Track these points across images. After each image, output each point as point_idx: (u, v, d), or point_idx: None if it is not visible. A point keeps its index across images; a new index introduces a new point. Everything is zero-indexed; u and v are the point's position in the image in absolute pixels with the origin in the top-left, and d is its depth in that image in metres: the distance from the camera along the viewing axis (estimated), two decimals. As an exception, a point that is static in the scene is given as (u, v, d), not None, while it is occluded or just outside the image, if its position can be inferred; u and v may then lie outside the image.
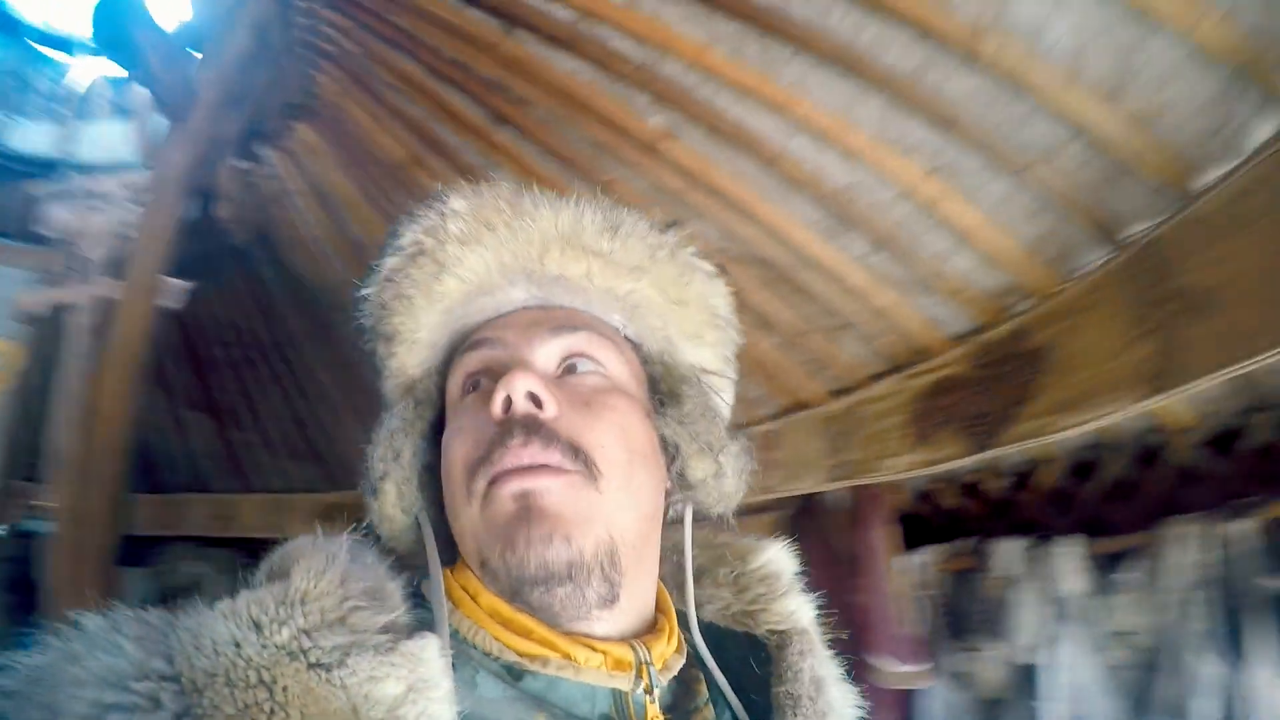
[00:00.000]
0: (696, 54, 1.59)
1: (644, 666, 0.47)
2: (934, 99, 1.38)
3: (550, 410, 0.46)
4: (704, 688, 0.52)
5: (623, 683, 0.46)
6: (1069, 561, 1.96)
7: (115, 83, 4.06)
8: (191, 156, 2.60)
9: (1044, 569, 2.00)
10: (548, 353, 0.51)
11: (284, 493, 4.12)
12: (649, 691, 0.47)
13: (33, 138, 3.93)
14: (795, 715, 0.50)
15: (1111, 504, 1.93)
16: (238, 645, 0.37)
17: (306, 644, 0.38)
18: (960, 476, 2.16)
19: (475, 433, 0.48)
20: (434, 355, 0.56)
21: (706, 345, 0.58)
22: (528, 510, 0.44)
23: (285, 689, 0.36)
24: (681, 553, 0.56)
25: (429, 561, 0.48)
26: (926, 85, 1.37)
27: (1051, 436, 1.38)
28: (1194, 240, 1.11)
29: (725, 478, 0.55)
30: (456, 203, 0.53)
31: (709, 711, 0.51)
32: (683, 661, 0.51)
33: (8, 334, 3.36)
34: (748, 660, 0.54)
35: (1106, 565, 1.94)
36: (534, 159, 2.10)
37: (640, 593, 0.50)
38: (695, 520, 0.57)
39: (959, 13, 1.24)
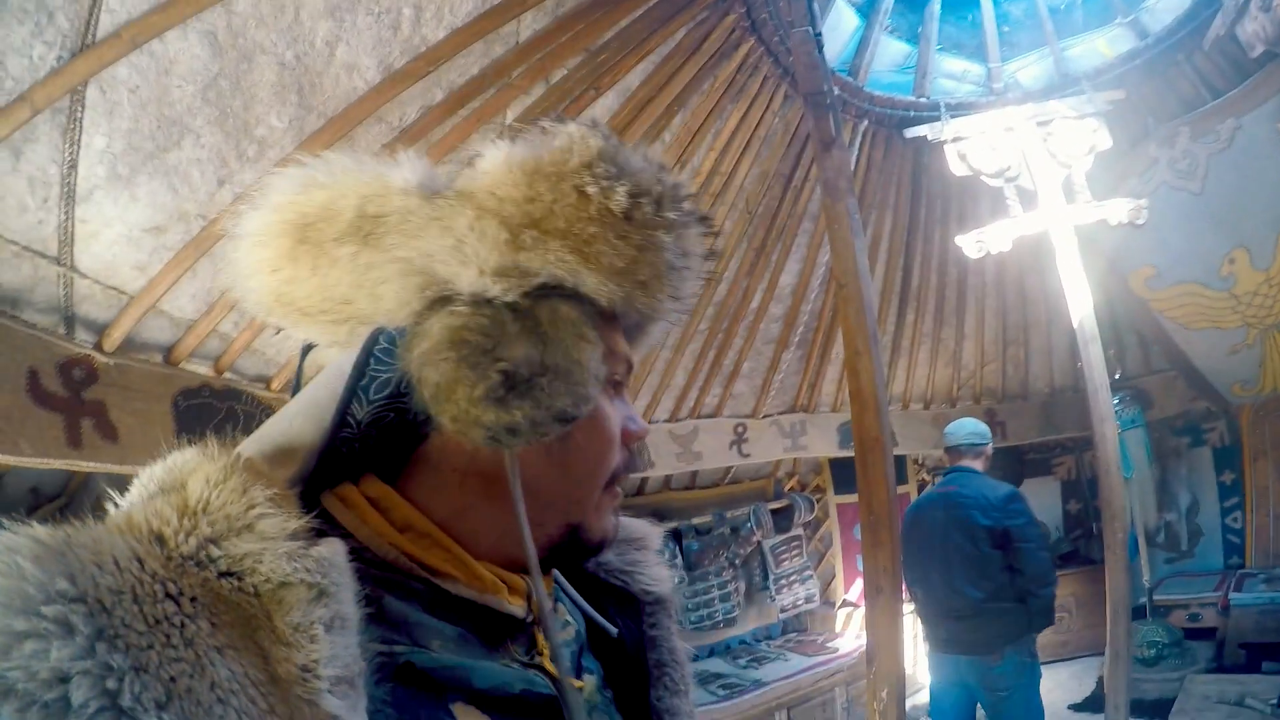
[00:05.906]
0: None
1: (533, 599, 0.52)
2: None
3: None
4: (563, 609, 0.60)
5: (518, 610, 0.52)
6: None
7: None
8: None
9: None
10: None
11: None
12: (535, 622, 0.53)
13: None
14: (664, 658, 0.64)
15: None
16: (140, 560, 0.36)
17: (216, 553, 0.38)
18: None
19: (615, 444, 0.56)
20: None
21: None
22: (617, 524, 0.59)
23: (194, 600, 0.36)
24: None
25: None
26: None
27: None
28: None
29: None
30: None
31: (569, 631, 0.59)
32: (552, 592, 0.59)
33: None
34: (621, 609, 0.65)
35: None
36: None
37: None
38: None
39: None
